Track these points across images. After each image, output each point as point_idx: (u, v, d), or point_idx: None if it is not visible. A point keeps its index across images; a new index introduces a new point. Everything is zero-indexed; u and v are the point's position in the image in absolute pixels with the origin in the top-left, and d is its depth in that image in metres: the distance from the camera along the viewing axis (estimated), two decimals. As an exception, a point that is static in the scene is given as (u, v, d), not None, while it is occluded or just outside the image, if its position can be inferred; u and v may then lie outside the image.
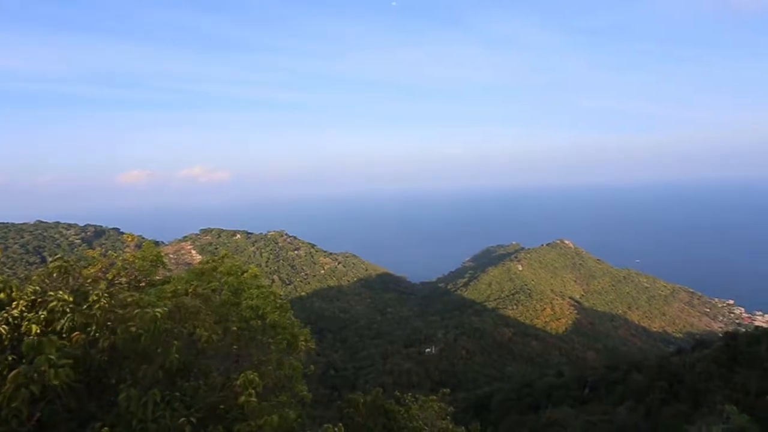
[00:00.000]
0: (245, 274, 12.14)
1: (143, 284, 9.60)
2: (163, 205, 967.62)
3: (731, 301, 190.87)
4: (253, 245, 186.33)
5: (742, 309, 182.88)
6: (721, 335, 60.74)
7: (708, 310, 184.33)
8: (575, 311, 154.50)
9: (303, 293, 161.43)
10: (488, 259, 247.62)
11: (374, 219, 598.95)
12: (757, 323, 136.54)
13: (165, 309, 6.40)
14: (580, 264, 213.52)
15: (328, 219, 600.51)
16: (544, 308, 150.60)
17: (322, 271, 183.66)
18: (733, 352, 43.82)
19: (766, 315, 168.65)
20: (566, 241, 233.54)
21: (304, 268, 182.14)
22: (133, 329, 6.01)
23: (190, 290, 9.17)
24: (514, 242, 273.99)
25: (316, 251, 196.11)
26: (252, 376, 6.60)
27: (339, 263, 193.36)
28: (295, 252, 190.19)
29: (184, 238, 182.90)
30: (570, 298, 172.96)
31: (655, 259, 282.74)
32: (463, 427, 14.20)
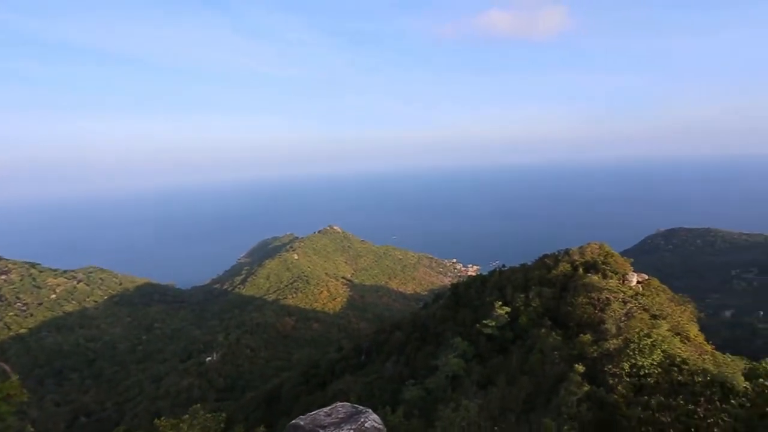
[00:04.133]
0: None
1: None
2: None
3: (455, 260, 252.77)
4: None
5: (461, 264, 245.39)
6: (449, 287, 79.35)
7: (441, 269, 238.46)
8: (348, 289, 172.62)
9: (23, 330, 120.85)
10: (264, 252, 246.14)
11: (123, 223, 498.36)
12: (469, 273, 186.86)
13: None
14: (348, 246, 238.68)
15: (55, 229, 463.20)
16: (321, 291, 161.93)
17: (53, 296, 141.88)
18: (456, 297, 58.61)
19: (475, 266, 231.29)
20: (335, 227, 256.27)
21: (21, 296, 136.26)
22: None
23: None
24: (288, 233, 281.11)
25: (40, 271, 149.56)
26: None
27: (79, 282, 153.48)
28: (2, 277, 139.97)
29: None
30: (343, 278, 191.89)
31: (406, 233, 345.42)
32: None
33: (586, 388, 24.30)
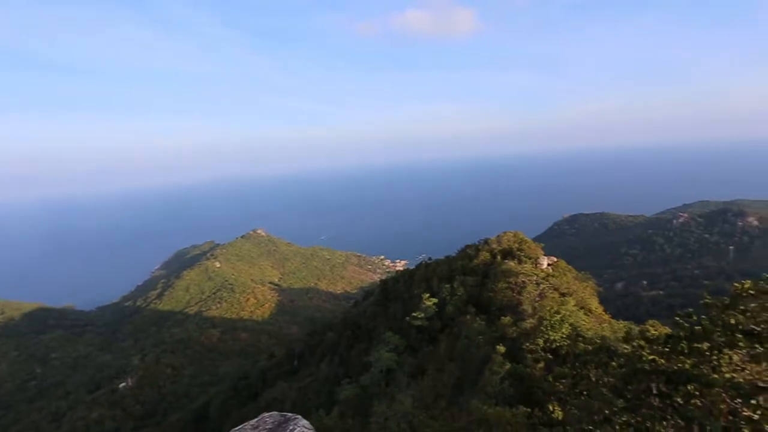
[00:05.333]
0: None
1: None
2: None
3: (383, 257, 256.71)
4: None
5: (389, 260, 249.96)
6: (378, 283, 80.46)
7: (370, 267, 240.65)
8: (277, 294, 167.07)
9: None
10: (182, 262, 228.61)
11: (1, 240, 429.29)
12: (398, 268, 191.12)
13: None
14: (274, 250, 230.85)
15: None
16: (248, 299, 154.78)
17: None
18: (386, 293, 59.61)
19: (403, 261, 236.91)
20: (259, 231, 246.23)
21: None
22: None
23: None
24: (208, 240, 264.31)
25: None
26: None
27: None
28: None
29: None
30: (270, 283, 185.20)
31: (334, 233, 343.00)
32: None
33: (508, 366, 26.22)
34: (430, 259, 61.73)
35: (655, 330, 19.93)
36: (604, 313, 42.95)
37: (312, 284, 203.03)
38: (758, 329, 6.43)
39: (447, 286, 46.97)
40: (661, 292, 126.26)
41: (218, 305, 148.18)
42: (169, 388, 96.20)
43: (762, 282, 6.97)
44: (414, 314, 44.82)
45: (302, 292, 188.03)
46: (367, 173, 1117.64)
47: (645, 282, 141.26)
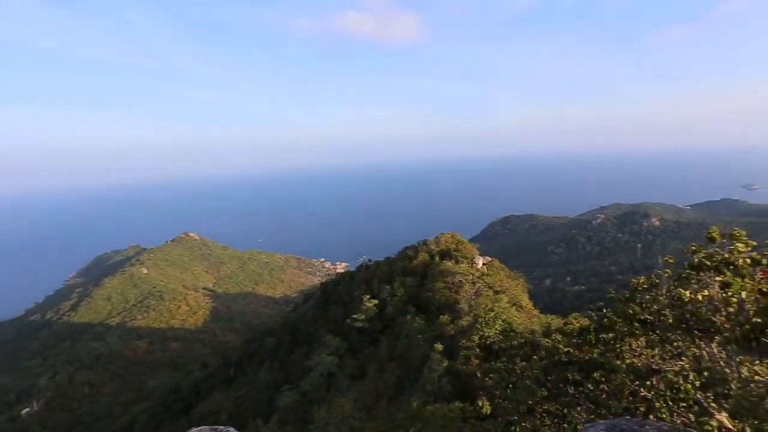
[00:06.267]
0: None
1: None
2: None
3: (323, 259, 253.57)
4: None
5: (330, 263, 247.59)
6: (319, 286, 79.50)
7: (310, 269, 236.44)
8: (211, 300, 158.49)
9: None
10: (102, 269, 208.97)
11: None
12: (338, 270, 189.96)
13: None
14: (209, 254, 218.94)
15: None
16: (179, 306, 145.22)
17: None
18: (326, 296, 59.07)
19: (343, 263, 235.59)
20: (192, 234, 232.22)
21: None
22: None
23: None
24: (133, 245, 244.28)
25: None
26: None
27: None
28: None
29: None
30: (204, 288, 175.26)
31: (272, 236, 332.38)
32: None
33: (445, 363, 27.19)
34: (370, 260, 62.19)
35: (577, 322, 21.74)
36: (533, 308, 46.03)
37: (249, 289, 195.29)
38: (651, 318, 7.32)
39: (387, 287, 47.60)
40: (583, 287, 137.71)
41: (145, 314, 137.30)
42: (86, 408, 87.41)
43: (653, 277, 7.95)
44: (355, 316, 44.89)
45: (239, 297, 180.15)
46: (306, 175, 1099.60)
47: (569, 278, 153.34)
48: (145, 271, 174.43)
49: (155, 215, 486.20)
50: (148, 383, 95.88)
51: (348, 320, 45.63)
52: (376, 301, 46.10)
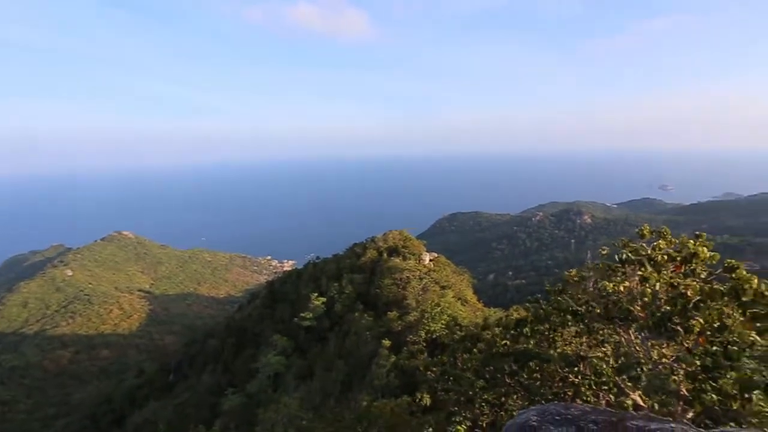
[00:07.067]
0: None
1: None
2: None
3: (269, 257, 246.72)
4: None
5: (276, 261, 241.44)
6: (265, 285, 77.28)
7: (256, 267, 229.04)
8: (147, 302, 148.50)
9: None
10: (17, 272, 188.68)
11: None
12: (285, 269, 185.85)
13: None
14: (145, 253, 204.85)
15: None
16: (111, 310, 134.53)
17: None
18: (273, 294, 57.61)
19: (291, 261, 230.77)
20: (125, 233, 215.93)
21: None
22: None
23: None
24: (54, 244, 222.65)
25: None
26: None
27: None
28: None
29: None
30: (140, 290, 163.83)
31: (216, 233, 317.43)
32: None
33: (393, 359, 27.58)
34: (318, 258, 61.44)
35: (518, 314, 22.94)
36: (478, 302, 47.93)
37: (191, 289, 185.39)
38: (580, 309, 7.90)
39: (335, 284, 47.35)
40: (523, 281, 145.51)
41: (70, 321, 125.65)
42: (-1, 427, 78.61)
43: (582, 270, 8.59)
44: (302, 315, 44.21)
45: (179, 299, 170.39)
46: (252, 171, 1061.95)
47: (511, 272, 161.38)
48: (70, 273, 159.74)
49: (83, 211, 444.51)
50: (74, 396, 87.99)
51: (295, 319, 44.81)
52: (324, 299, 45.66)
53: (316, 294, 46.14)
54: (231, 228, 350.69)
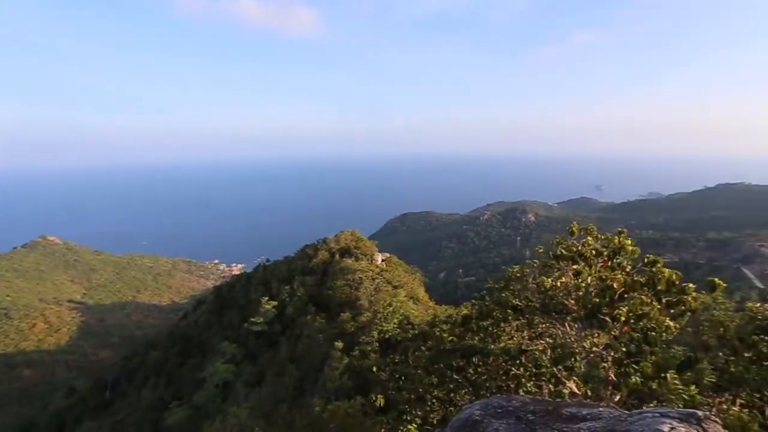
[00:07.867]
0: None
1: None
2: None
3: (216, 261, 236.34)
4: None
5: (224, 265, 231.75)
6: (212, 290, 74.12)
7: (203, 272, 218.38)
8: (79, 314, 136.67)
9: None
10: None
11: None
12: (234, 273, 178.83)
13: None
14: (75, 260, 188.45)
15: None
16: (34, 324, 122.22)
17: None
18: (221, 300, 55.32)
19: (240, 265, 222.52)
20: (51, 238, 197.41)
21: None
22: None
23: None
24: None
25: None
26: None
27: None
28: None
29: None
30: (70, 301, 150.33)
31: (158, 237, 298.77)
32: None
33: (346, 360, 27.46)
34: (268, 260, 59.81)
35: (467, 311, 23.70)
36: (429, 300, 48.95)
37: (129, 297, 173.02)
38: (521, 304, 8.34)
39: (287, 287, 46.38)
40: (473, 278, 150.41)
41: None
42: None
43: (525, 267, 9.07)
44: (252, 320, 42.86)
45: (116, 308, 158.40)
46: (199, 170, 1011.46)
47: (461, 270, 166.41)
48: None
49: (5, 215, 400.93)
50: (-8, 421, 79.08)
51: (245, 324, 43.31)
52: (275, 303, 44.55)
53: (266, 298, 44.90)
54: (175, 231, 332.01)
